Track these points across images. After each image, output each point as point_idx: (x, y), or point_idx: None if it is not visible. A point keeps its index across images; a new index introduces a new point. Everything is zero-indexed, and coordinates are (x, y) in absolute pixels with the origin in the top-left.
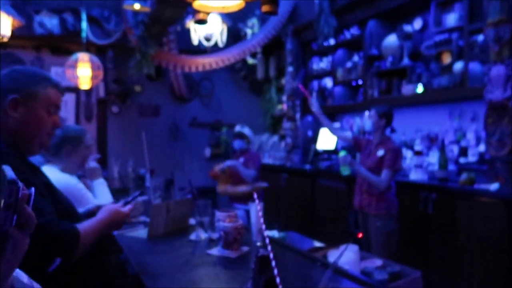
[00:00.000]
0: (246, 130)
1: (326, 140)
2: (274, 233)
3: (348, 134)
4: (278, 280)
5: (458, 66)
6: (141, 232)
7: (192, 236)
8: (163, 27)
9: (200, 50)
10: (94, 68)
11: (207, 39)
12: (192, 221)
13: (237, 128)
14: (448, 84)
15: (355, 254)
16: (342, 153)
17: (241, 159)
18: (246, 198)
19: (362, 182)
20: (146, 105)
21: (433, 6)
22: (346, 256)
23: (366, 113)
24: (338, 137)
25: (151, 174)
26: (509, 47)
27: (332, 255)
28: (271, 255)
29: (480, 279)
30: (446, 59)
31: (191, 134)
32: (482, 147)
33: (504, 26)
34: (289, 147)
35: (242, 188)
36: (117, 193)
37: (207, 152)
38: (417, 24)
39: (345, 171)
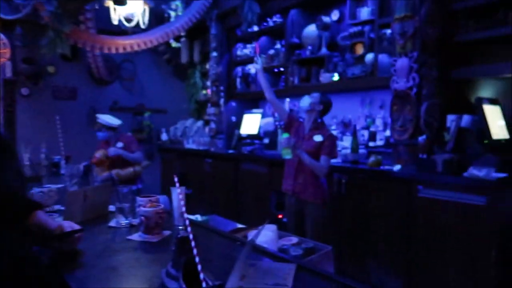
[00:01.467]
0: (111, 120)
1: (249, 125)
2: (197, 217)
3: (285, 107)
4: (197, 259)
5: (370, 57)
6: (57, 221)
7: (112, 223)
8: (79, 4)
9: (120, 30)
10: None
11: (128, 20)
12: (112, 208)
13: (101, 120)
14: (361, 73)
15: (273, 233)
16: (285, 135)
17: (120, 144)
18: (132, 181)
19: (298, 166)
20: (61, 87)
21: None
22: (264, 235)
23: (306, 98)
24: (275, 106)
25: (67, 161)
26: (412, 41)
27: (252, 235)
28: (191, 236)
29: (385, 249)
30: (359, 50)
31: None
32: (388, 132)
33: (408, 22)
34: (213, 132)
35: (128, 170)
36: (29, 182)
37: None
38: (335, 15)
39: (287, 154)
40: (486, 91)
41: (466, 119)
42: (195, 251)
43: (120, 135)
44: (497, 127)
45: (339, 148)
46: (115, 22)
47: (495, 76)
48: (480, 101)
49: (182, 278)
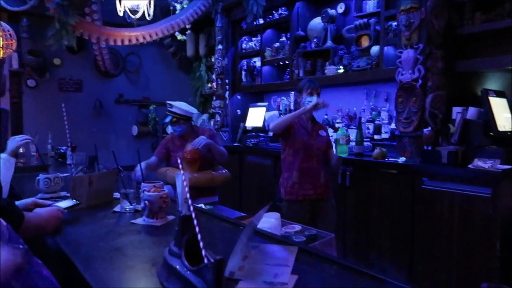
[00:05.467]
0: (190, 108)
1: (254, 118)
2: (201, 206)
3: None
4: (199, 236)
5: (375, 49)
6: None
7: (117, 208)
8: None
9: (126, 23)
10: (5, 36)
11: (133, 12)
12: (116, 195)
13: (179, 109)
14: (366, 66)
15: (277, 220)
16: (342, 131)
17: (203, 137)
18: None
19: (318, 166)
20: (67, 79)
21: None
22: (268, 222)
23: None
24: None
25: (73, 151)
26: (418, 32)
27: (254, 218)
28: (193, 214)
29: (388, 240)
30: (365, 42)
31: (117, 111)
32: (393, 125)
33: (414, 13)
34: (218, 125)
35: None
36: (36, 171)
37: (134, 130)
38: (340, 8)
39: (344, 152)
40: (492, 83)
41: (471, 111)
42: (197, 228)
43: (197, 127)
44: (503, 119)
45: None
46: (121, 14)
47: (501, 68)
48: (486, 93)
49: (184, 256)
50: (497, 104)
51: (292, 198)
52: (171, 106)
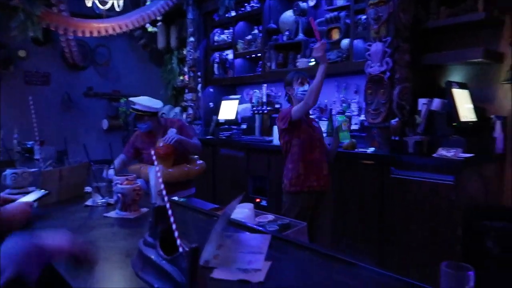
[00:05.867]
0: (153, 103)
1: (227, 111)
2: (175, 198)
3: None
4: (174, 226)
5: (345, 42)
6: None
7: (89, 202)
8: None
9: (94, 14)
10: None
11: (102, 3)
12: (88, 189)
13: (141, 106)
14: (337, 58)
15: (250, 211)
16: (342, 118)
17: (173, 130)
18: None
19: (321, 157)
20: (33, 72)
21: None
22: (242, 212)
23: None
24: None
25: (41, 145)
26: (386, 26)
27: (228, 208)
28: (168, 205)
29: (359, 227)
30: (335, 35)
31: (87, 104)
32: (363, 117)
33: (383, 7)
34: (191, 118)
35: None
36: (2, 166)
37: (105, 123)
38: (312, 1)
39: (346, 137)
40: (455, 76)
41: (436, 102)
42: (172, 218)
43: (165, 120)
44: (465, 110)
45: (345, 127)
46: (89, 5)
47: (464, 61)
48: (450, 85)
49: (159, 246)
50: (460, 96)
51: (297, 189)
52: (133, 103)
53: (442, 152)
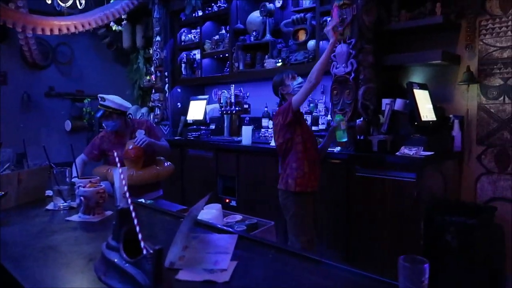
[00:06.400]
0: (124, 102)
1: (195, 111)
2: (142, 201)
3: None
4: (138, 229)
5: (312, 43)
6: None
7: (50, 206)
8: None
9: (55, 11)
10: None
11: (63, 0)
12: (49, 192)
13: (112, 103)
14: (303, 59)
15: (218, 211)
16: (338, 117)
17: (141, 132)
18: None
19: (318, 163)
20: None
21: None
22: (210, 213)
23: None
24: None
25: None
26: (350, 28)
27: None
28: (131, 207)
29: (327, 224)
30: (302, 36)
31: (48, 105)
32: (329, 117)
33: (347, 10)
34: (158, 118)
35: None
36: None
37: (68, 124)
38: (278, 2)
39: (344, 137)
40: (416, 77)
41: (398, 102)
42: (135, 221)
43: (133, 120)
44: (425, 110)
45: (344, 126)
46: (49, 2)
47: (424, 63)
48: (411, 85)
49: (123, 249)
50: (421, 96)
51: (303, 189)
52: (104, 99)
53: (405, 150)
